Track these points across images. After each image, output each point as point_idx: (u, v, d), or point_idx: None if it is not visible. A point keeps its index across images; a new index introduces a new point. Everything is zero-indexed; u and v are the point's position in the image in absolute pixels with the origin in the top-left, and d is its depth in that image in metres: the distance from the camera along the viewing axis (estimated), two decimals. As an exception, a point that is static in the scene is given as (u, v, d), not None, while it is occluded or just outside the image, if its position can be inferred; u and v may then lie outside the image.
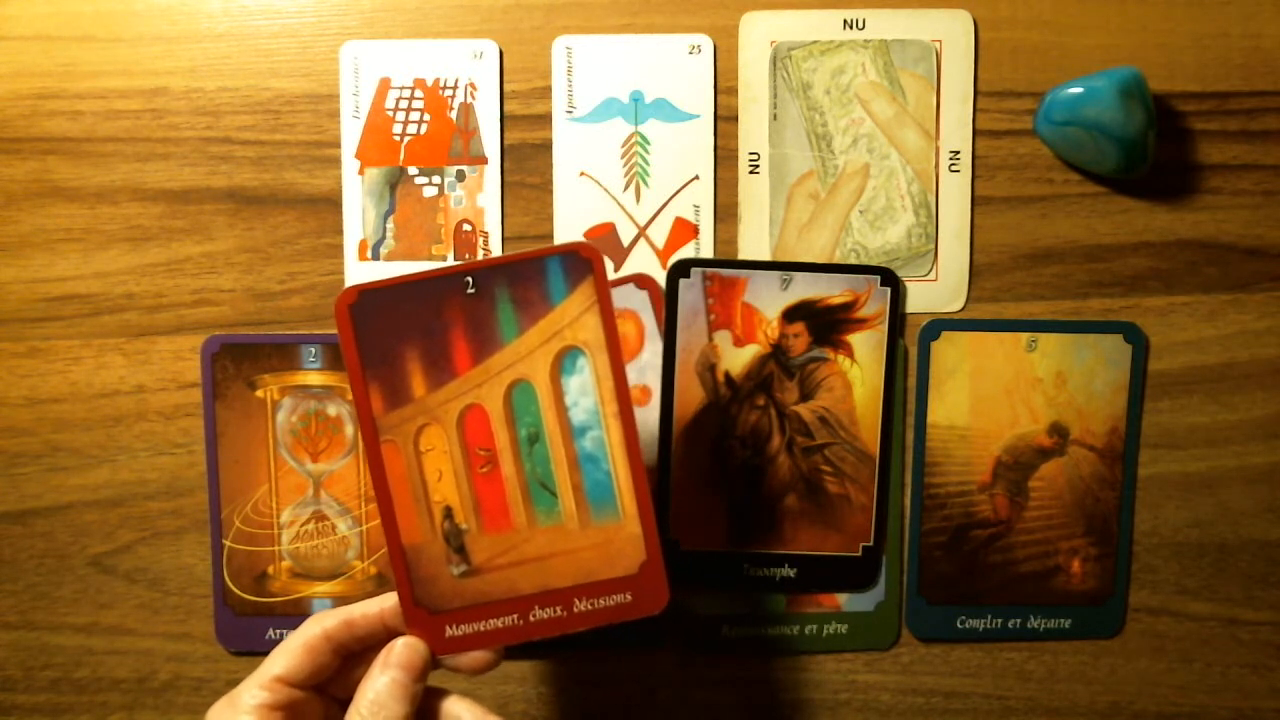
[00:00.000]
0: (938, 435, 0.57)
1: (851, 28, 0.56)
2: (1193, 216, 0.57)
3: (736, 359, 0.56)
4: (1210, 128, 0.57)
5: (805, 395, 0.56)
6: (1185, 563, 0.58)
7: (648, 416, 0.56)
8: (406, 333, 0.46)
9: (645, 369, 0.56)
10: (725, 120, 0.56)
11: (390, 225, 0.56)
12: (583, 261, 0.46)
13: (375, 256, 0.56)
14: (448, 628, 0.47)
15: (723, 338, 0.55)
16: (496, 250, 0.56)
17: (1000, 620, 0.57)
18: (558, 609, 0.47)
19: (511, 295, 0.46)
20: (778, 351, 0.56)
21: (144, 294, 0.56)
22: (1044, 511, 0.57)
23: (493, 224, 0.56)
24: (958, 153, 0.56)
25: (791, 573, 0.56)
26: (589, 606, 0.47)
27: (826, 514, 0.56)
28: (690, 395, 0.55)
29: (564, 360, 0.47)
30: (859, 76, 0.56)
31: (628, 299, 0.56)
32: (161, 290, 0.56)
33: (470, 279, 0.46)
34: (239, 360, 0.56)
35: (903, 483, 0.57)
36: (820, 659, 0.57)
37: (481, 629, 0.47)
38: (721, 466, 0.56)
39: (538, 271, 0.46)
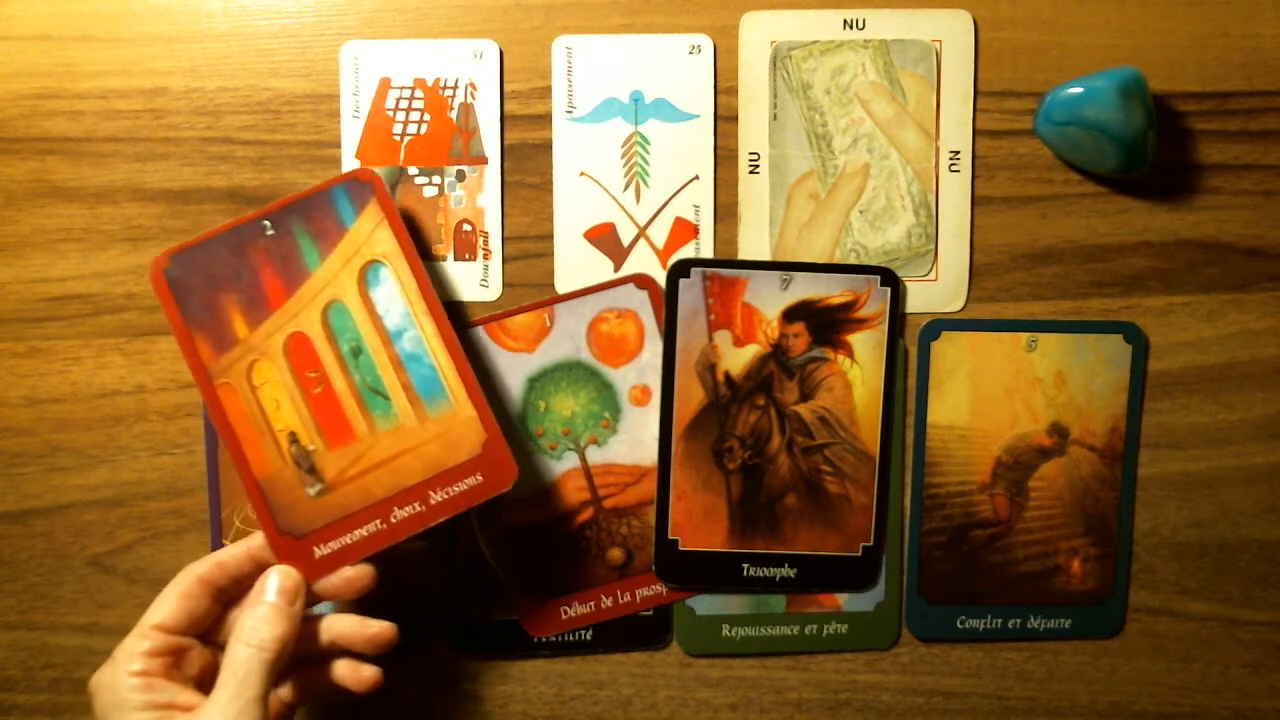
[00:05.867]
0: (938, 435, 0.56)
1: (851, 28, 0.56)
2: (1193, 216, 0.57)
3: (736, 359, 0.56)
4: (1210, 128, 0.57)
5: (805, 395, 0.56)
6: (1185, 563, 0.58)
7: (648, 417, 0.56)
8: (221, 282, 0.50)
9: (645, 369, 0.56)
10: (725, 120, 0.56)
11: (390, 225, 0.56)
12: (364, 185, 0.50)
13: (375, 256, 0.56)
14: (315, 549, 0.49)
15: (723, 338, 0.55)
16: (497, 251, 0.56)
17: (1000, 620, 0.57)
18: (416, 505, 0.49)
19: (308, 228, 0.50)
20: (778, 351, 0.56)
21: (144, 294, 0.56)
22: (1044, 511, 0.57)
23: (493, 224, 0.56)
24: (958, 153, 0.56)
25: (791, 573, 0.56)
26: (445, 495, 0.49)
27: (826, 514, 0.56)
28: (690, 395, 0.55)
29: (368, 274, 0.50)
30: (859, 76, 0.56)
31: (628, 299, 0.56)
32: (161, 290, 0.56)
33: (267, 221, 0.50)
34: (238, 360, 0.56)
35: (903, 483, 0.57)
36: (820, 659, 0.57)
37: (349, 542, 0.49)
38: (721, 466, 0.56)
39: (326, 201, 0.51)
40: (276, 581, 0.47)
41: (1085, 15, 0.56)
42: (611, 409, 0.56)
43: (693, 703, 0.57)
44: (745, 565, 0.56)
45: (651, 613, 0.56)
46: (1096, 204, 0.57)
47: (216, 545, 0.56)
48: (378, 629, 0.49)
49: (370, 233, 0.50)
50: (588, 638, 0.56)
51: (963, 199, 0.56)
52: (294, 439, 0.50)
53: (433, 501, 0.49)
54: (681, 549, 0.56)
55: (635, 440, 0.56)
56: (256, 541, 0.49)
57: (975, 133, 0.56)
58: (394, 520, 0.49)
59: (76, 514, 0.56)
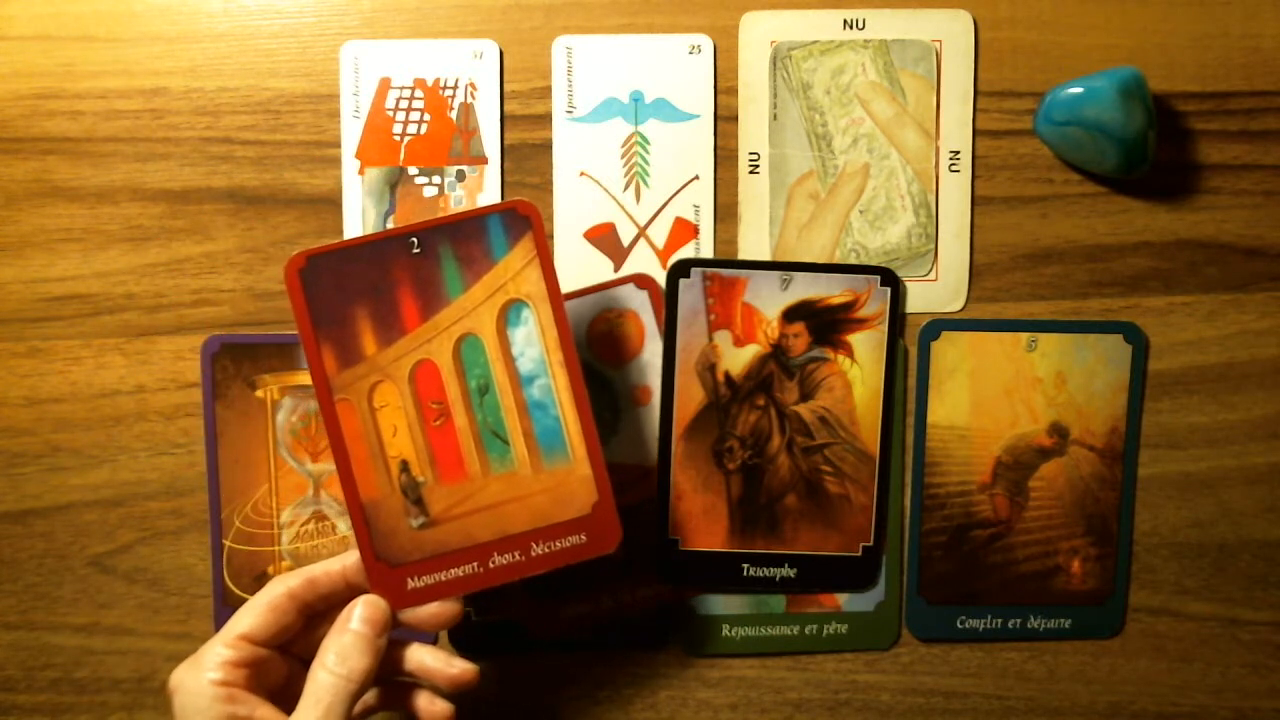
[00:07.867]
0: (938, 435, 0.57)
1: (851, 28, 0.56)
2: (1193, 216, 0.57)
3: (736, 359, 0.56)
4: (1210, 128, 0.57)
5: (805, 395, 0.56)
6: (1185, 563, 0.58)
7: (648, 416, 0.56)
8: (356, 294, 0.48)
9: (645, 369, 0.56)
10: (725, 120, 0.56)
11: (390, 225, 0.56)
12: (521, 218, 0.48)
13: (375, 256, 0.56)
14: (409, 579, 0.48)
15: (723, 338, 0.55)
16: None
17: (1000, 620, 0.57)
18: (516, 554, 0.48)
19: (455, 253, 0.48)
20: (778, 351, 0.56)
21: (144, 294, 0.56)
22: (1044, 511, 0.57)
23: (493, 224, 0.56)
24: (958, 153, 0.56)
25: (791, 573, 0.56)
26: (546, 549, 0.49)
27: (826, 514, 0.56)
28: (690, 395, 0.55)
29: (509, 313, 0.49)
30: (859, 76, 0.56)
31: (628, 299, 0.56)
32: (161, 290, 0.56)
33: (415, 239, 0.48)
34: (239, 360, 0.56)
35: (903, 483, 0.57)
36: (820, 659, 0.57)
37: (442, 579, 0.48)
38: (721, 466, 0.56)
39: (479, 229, 0.48)
40: (364, 611, 0.47)
41: (1085, 15, 0.56)
42: (611, 409, 0.56)
43: (693, 703, 0.57)
44: (745, 565, 0.56)
45: (652, 612, 0.56)
46: (1096, 204, 0.57)
47: (216, 545, 0.56)
48: (460, 669, 0.48)
49: (520, 270, 0.48)
50: (588, 638, 0.56)
51: (963, 199, 0.56)
52: (405, 468, 0.49)
53: (533, 553, 0.48)
54: (681, 549, 0.56)
55: (635, 440, 0.56)
56: (351, 561, 0.48)
57: (975, 133, 0.56)
58: (491, 565, 0.48)
59: (76, 514, 0.56)
